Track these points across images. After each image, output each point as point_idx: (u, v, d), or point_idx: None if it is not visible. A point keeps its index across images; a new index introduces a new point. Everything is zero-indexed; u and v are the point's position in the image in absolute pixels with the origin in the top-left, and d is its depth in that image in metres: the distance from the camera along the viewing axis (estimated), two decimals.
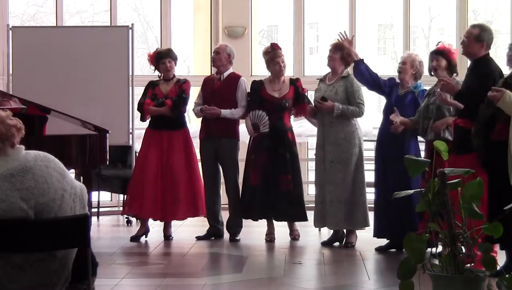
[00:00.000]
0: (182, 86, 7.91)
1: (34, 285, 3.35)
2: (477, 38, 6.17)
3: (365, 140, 7.78)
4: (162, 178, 7.79)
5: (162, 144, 7.83)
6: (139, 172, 7.86)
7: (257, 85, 7.78)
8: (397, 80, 7.25)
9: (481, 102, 5.86)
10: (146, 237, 7.88)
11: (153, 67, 8.03)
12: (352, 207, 7.29)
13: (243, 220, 7.88)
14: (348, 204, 7.30)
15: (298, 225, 7.97)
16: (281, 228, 7.84)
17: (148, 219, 7.94)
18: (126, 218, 8.81)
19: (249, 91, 7.85)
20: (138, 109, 8.01)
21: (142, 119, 8.10)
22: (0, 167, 3.35)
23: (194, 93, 8.53)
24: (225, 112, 7.73)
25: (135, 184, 7.86)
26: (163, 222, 7.96)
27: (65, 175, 3.47)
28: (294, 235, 7.77)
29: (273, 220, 7.76)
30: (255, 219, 7.82)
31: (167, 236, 7.87)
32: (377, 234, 7.15)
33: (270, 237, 7.73)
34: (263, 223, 7.91)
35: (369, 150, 8.16)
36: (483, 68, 6.09)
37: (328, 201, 7.35)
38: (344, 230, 7.42)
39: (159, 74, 8.01)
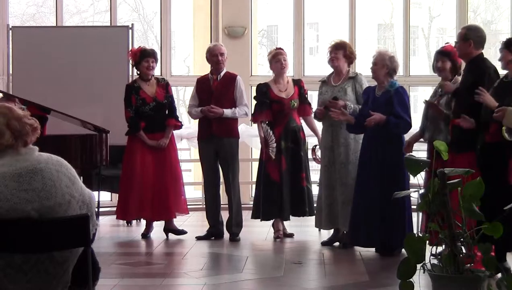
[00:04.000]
0: (169, 91, 7.93)
1: (33, 287, 3.35)
2: (464, 38, 6.24)
3: None
4: (155, 180, 7.79)
5: (149, 146, 7.80)
6: (130, 175, 7.83)
7: (264, 87, 7.78)
8: (371, 85, 7.21)
9: (477, 99, 5.94)
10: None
11: (132, 63, 7.98)
12: None
13: (243, 220, 7.88)
14: None
15: (300, 225, 7.98)
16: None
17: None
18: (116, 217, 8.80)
19: (244, 89, 7.91)
20: (131, 124, 7.78)
21: (131, 133, 7.81)
22: (10, 166, 3.34)
23: (188, 93, 8.50)
24: (228, 112, 7.73)
25: (128, 188, 7.84)
26: (163, 221, 7.98)
27: (75, 182, 3.46)
28: (285, 233, 7.86)
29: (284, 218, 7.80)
30: (283, 219, 7.81)
31: (180, 231, 7.87)
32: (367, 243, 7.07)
33: (278, 235, 7.75)
34: (263, 223, 7.91)
35: None
36: (477, 66, 6.13)
37: (340, 203, 7.29)
38: (344, 231, 7.40)
39: (137, 73, 7.97)
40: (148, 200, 7.81)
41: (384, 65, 6.95)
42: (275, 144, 7.65)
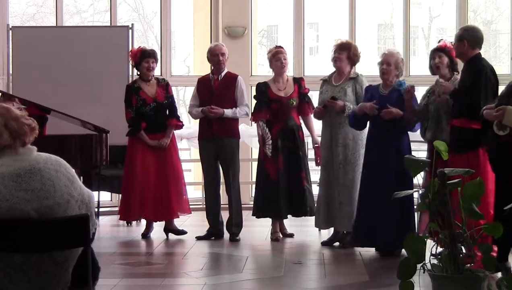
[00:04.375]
0: (169, 91, 7.93)
1: (33, 287, 3.35)
2: (459, 38, 6.26)
3: None
4: (156, 180, 7.79)
5: (151, 146, 7.80)
6: (132, 175, 7.82)
7: (263, 86, 7.78)
8: (373, 84, 7.19)
9: (476, 99, 5.94)
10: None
11: (132, 64, 7.98)
12: None
13: (243, 220, 7.88)
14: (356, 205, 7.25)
15: (300, 225, 7.97)
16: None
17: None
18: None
19: (245, 89, 7.92)
20: (131, 125, 7.79)
21: (131, 133, 7.82)
22: (8, 166, 3.34)
23: (188, 93, 8.50)
24: (228, 112, 7.72)
25: (129, 189, 7.83)
26: (164, 221, 7.99)
27: (74, 181, 3.46)
28: (286, 233, 7.85)
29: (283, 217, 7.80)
30: (280, 218, 7.80)
31: (180, 231, 7.87)
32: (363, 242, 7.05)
33: (275, 236, 7.74)
34: (263, 223, 7.92)
35: None
36: (474, 66, 6.14)
37: (337, 203, 7.29)
38: (344, 231, 7.40)
39: (137, 73, 7.96)
40: (149, 200, 7.81)
41: (397, 67, 6.98)
42: (271, 142, 7.65)
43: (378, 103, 6.92)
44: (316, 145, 7.70)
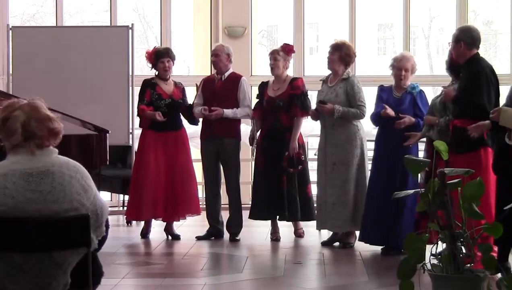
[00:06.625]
0: (185, 95, 7.99)
1: (33, 287, 3.35)
2: (455, 40, 6.24)
3: (368, 140, 7.66)
4: (167, 179, 7.79)
5: (162, 145, 7.82)
6: (143, 174, 7.82)
7: (261, 86, 7.81)
8: (387, 85, 7.22)
9: (478, 100, 5.94)
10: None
11: (150, 65, 8.00)
12: (356, 208, 7.25)
13: (243, 220, 7.88)
14: (351, 206, 7.25)
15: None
16: (283, 228, 7.85)
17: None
18: (126, 217, 8.80)
19: (249, 90, 7.94)
20: (138, 115, 7.96)
21: (141, 125, 7.99)
22: (23, 164, 3.32)
23: (190, 93, 8.51)
24: (228, 112, 7.72)
25: (139, 187, 7.82)
26: (165, 222, 7.98)
27: (88, 190, 3.43)
28: (299, 233, 7.83)
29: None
30: (263, 219, 7.82)
31: (175, 235, 7.87)
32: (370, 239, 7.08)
33: (275, 236, 7.74)
34: (263, 223, 7.91)
35: (371, 150, 8.12)
36: (472, 67, 6.13)
37: (330, 204, 7.29)
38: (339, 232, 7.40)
39: (155, 73, 7.98)
40: (160, 200, 7.79)
41: (413, 71, 7.08)
42: (255, 144, 7.70)
43: (391, 106, 6.96)
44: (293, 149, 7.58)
